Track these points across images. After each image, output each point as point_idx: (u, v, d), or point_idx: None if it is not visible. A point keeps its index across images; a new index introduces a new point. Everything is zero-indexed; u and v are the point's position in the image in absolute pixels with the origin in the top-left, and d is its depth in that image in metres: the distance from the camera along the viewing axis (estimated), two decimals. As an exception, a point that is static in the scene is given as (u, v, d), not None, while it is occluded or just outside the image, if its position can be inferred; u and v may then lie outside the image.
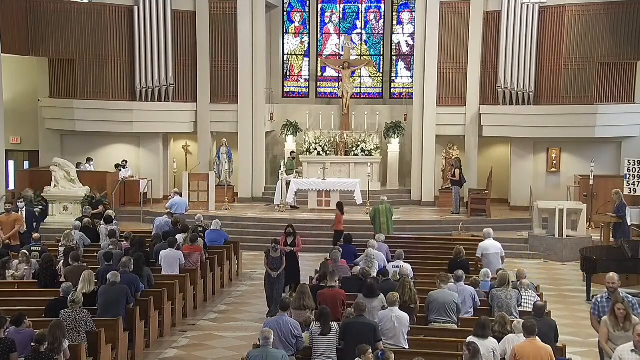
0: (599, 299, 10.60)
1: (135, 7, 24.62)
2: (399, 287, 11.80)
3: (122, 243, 15.72)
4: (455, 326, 11.60)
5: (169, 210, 19.50)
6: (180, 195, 21.46)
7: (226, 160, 24.85)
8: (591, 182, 21.43)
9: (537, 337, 9.26)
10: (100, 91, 24.65)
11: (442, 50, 24.66)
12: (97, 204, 21.10)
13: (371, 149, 25.68)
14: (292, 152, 25.32)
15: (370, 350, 9.18)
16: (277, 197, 23.78)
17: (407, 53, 27.62)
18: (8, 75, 23.52)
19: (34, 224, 18.48)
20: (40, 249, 15.33)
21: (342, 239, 19.24)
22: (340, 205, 19.67)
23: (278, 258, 14.61)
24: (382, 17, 27.83)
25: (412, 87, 26.22)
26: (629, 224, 19.39)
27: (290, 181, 23.65)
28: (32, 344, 9.35)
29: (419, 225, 22.15)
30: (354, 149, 25.76)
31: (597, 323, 10.30)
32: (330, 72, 28.09)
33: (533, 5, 23.42)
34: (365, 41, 28.08)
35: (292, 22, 28.19)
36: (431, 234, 20.87)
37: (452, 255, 14.84)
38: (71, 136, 25.40)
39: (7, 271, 14.15)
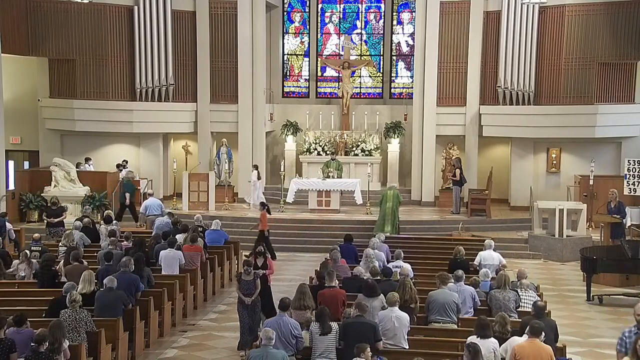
0: (627, 334, 9.29)
1: (135, 7, 24.62)
2: (399, 287, 11.80)
3: (122, 243, 15.73)
4: (455, 326, 11.60)
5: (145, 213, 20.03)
6: (152, 196, 21.29)
7: (226, 160, 24.85)
8: (591, 182, 21.45)
9: (537, 337, 9.26)
10: (100, 91, 24.64)
11: (442, 50, 24.66)
12: (59, 211, 19.60)
13: (371, 149, 25.70)
14: (332, 154, 25.17)
15: (369, 349, 9.16)
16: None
17: (407, 53, 27.62)
18: (8, 75, 23.51)
19: None
20: (40, 248, 15.35)
21: (265, 239, 19.31)
22: (264, 205, 19.95)
23: (251, 282, 12.62)
24: (382, 17, 27.82)
25: (412, 87, 26.22)
26: (629, 224, 19.45)
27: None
28: (32, 344, 9.33)
29: (419, 225, 22.15)
30: (354, 149, 25.77)
31: None
32: (330, 72, 28.09)
33: (533, 5, 23.42)
34: (365, 41, 28.07)
35: (292, 22, 28.19)
36: (431, 234, 20.88)
37: (452, 255, 14.86)
38: (71, 136, 25.39)
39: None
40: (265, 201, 21.65)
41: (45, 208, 20.31)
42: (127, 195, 22.02)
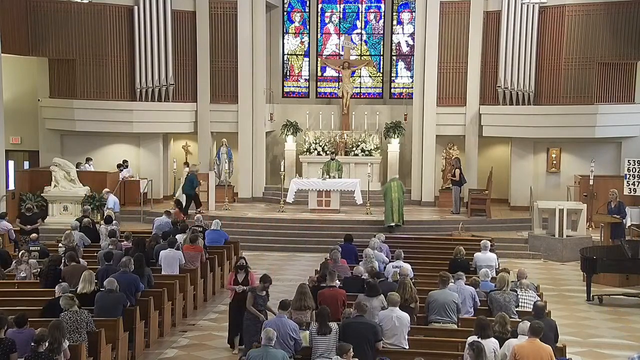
0: (636, 359, 8.93)
1: (135, 7, 24.62)
2: (399, 286, 11.80)
3: (122, 243, 15.73)
4: (455, 326, 11.60)
5: (110, 209, 20.20)
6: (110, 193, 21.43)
7: (226, 160, 24.86)
8: (591, 182, 21.45)
9: (537, 338, 9.25)
10: (100, 91, 24.64)
11: (442, 50, 24.65)
12: (34, 217, 19.23)
13: (371, 149, 25.70)
14: (332, 154, 25.12)
15: (352, 349, 9.13)
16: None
17: (407, 53, 27.61)
18: (8, 75, 23.51)
19: None
20: (39, 248, 15.34)
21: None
22: (178, 203, 20.08)
23: (265, 297, 12.03)
24: (382, 17, 27.82)
25: (412, 87, 26.21)
26: (628, 224, 19.45)
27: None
28: (32, 344, 9.32)
29: (419, 225, 22.15)
30: (354, 149, 25.77)
31: None
32: (330, 72, 28.08)
33: (533, 5, 23.42)
34: (365, 41, 28.07)
35: (292, 22, 28.18)
36: (431, 234, 20.88)
37: (452, 255, 14.86)
38: (71, 136, 25.39)
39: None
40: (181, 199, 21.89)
41: (20, 214, 20.09)
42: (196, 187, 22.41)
